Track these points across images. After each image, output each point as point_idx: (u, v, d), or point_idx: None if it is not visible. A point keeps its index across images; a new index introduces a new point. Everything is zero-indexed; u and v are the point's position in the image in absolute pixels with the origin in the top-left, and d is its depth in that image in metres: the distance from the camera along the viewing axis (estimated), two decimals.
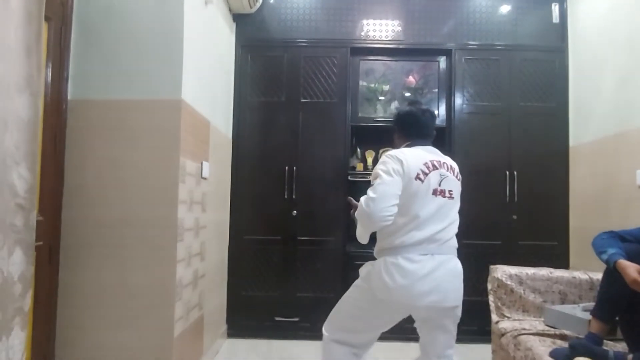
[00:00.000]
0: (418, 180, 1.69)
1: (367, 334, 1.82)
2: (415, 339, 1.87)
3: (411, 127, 1.86)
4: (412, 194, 1.69)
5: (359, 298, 1.80)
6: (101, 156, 2.12)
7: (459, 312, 1.77)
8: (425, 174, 1.71)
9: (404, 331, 1.92)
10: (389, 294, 1.67)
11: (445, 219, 1.73)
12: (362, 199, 1.68)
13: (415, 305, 1.69)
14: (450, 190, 1.75)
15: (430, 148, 1.84)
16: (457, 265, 1.75)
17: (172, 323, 2.09)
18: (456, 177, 1.82)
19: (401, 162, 1.70)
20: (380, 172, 1.69)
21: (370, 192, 1.67)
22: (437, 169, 1.74)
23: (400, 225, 1.69)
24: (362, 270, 1.84)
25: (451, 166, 1.82)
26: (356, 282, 1.85)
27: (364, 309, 1.77)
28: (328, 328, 1.86)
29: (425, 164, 1.73)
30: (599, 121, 3.02)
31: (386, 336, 1.91)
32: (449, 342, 1.78)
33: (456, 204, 1.80)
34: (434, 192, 1.71)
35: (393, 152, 1.76)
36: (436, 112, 3.46)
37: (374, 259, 1.81)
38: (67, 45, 2.09)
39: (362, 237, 1.80)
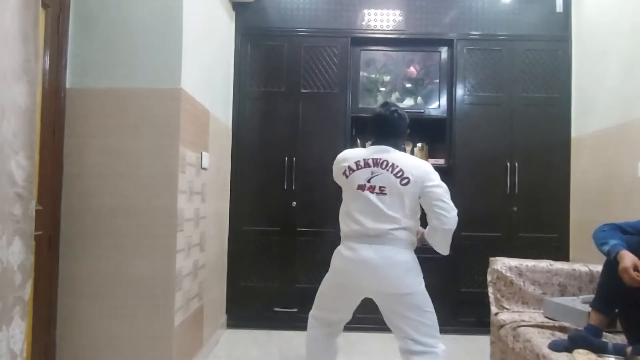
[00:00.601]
0: (343, 176, 1.92)
1: (336, 312, 1.98)
2: None
3: (374, 128, 1.99)
4: (343, 188, 1.95)
5: (326, 278, 1.99)
6: (100, 145, 2.10)
7: (411, 300, 1.80)
8: (352, 171, 1.88)
9: None
10: (334, 276, 1.92)
11: (377, 213, 1.82)
12: None
13: (356, 287, 1.87)
14: (382, 187, 1.84)
15: (384, 147, 1.91)
16: (395, 256, 1.81)
17: (172, 313, 2.10)
18: (395, 174, 1.83)
19: (336, 161, 1.98)
20: None
21: None
22: (369, 166, 1.86)
23: (342, 216, 1.96)
24: None
25: (393, 164, 1.84)
26: None
27: (328, 288, 1.97)
28: (312, 307, 2.05)
29: (357, 162, 1.88)
30: (602, 112, 3.00)
31: (383, 327, 1.94)
32: (416, 328, 1.80)
33: (394, 201, 1.82)
34: (360, 187, 1.86)
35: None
36: (437, 103, 3.47)
37: None
38: (65, 33, 2.07)
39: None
